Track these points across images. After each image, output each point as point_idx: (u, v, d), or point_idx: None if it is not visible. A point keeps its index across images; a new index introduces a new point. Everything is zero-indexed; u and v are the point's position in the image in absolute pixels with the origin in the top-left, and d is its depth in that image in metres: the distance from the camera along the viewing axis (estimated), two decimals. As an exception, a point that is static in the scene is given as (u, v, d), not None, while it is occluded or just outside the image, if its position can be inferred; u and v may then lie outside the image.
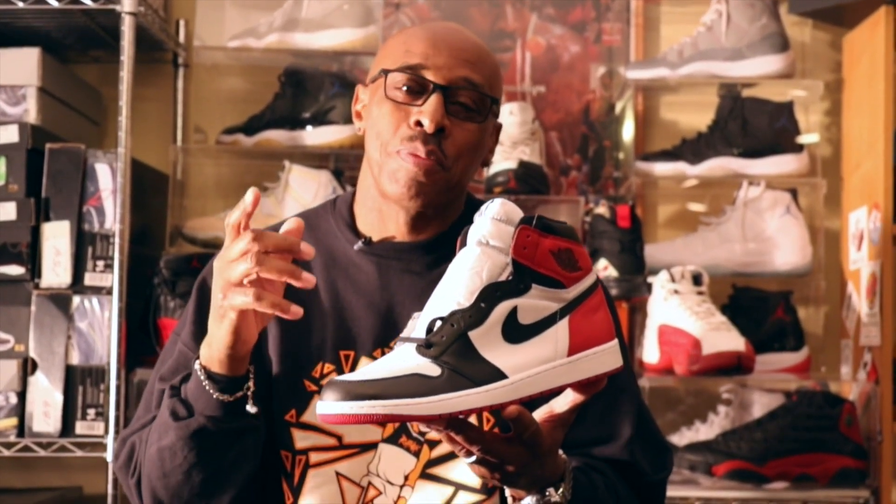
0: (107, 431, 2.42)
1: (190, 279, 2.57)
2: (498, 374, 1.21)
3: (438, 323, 1.23)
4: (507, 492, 1.38)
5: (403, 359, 1.21)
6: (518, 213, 1.27)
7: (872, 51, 2.75)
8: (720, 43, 2.81)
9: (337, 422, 1.16)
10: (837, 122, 3.00)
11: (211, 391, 1.42)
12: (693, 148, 2.84)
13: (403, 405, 1.16)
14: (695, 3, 2.99)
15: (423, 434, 1.56)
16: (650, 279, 2.70)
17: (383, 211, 1.60)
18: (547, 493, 1.35)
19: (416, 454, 1.55)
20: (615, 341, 1.29)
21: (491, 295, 1.23)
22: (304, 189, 2.72)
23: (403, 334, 1.26)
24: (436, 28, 1.59)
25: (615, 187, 2.99)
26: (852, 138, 2.90)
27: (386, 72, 1.55)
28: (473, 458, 1.27)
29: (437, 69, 1.53)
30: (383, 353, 1.56)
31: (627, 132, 2.98)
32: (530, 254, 1.24)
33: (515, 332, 1.23)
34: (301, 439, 1.56)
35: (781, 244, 2.79)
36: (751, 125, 2.82)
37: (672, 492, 2.54)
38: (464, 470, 1.54)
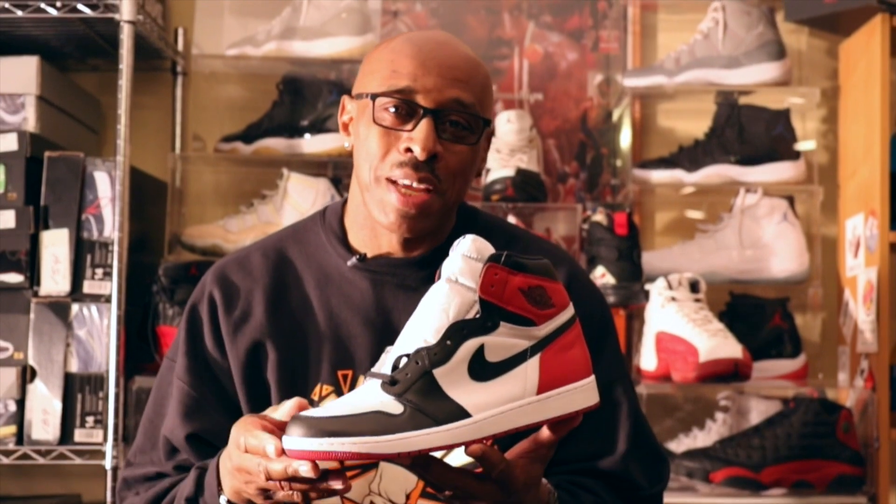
0: (105, 439, 2.42)
1: (189, 287, 2.57)
2: (461, 413, 1.20)
3: (404, 360, 1.22)
4: None
5: (368, 395, 1.21)
6: (489, 250, 1.25)
7: (868, 58, 2.76)
8: (717, 51, 2.82)
9: (302, 457, 1.17)
10: (834, 129, 3.01)
11: None
12: (690, 155, 2.85)
13: (363, 443, 1.16)
14: (692, 10, 3.00)
15: None
16: (647, 286, 2.70)
17: (376, 228, 1.57)
18: None
19: None
20: (591, 378, 1.27)
21: (457, 333, 1.22)
22: (303, 197, 2.72)
23: (374, 368, 1.25)
24: (423, 43, 1.52)
25: (613, 195, 2.99)
26: (849, 145, 2.90)
27: (373, 96, 1.50)
28: (444, 494, 1.27)
29: (427, 92, 1.48)
30: None
31: (625, 140, 2.99)
32: (498, 292, 1.23)
33: (482, 369, 1.22)
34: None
35: (778, 251, 2.80)
36: (748, 132, 2.82)
37: (670, 499, 2.53)
38: None
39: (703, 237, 2.86)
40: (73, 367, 2.46)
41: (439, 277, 1.27)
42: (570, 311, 1.27)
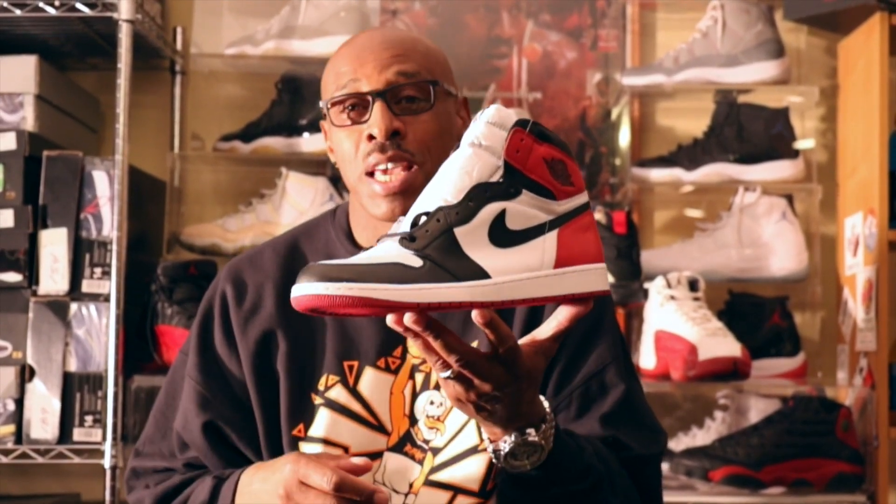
0: (104, 438, 2.42)
1: (187, 286, 2.58)
2: (481, 273, 1.18)
3: (424, 218, 1.20)
4: (484, 433, 1.35)
5: (385, 250, 1.18)
6: (513, 118, 1.24)
7: (867, 57, 2.76)
8: (716, 49, 2.82)
9: (310, 304, 1.13)
10: (833, 127, 3.01)
11: None
12: (689, 154, 2.85)
13: (380, 289, 1.12)
14: (690, 9, 3.00)
15: (426, 442, 1.56)
16: (646, 285, 2.70)
17: (377, 227, 1.61)
18: (526, 433, 1.31)
19: (421, 462, 1.56)
20: (603, 264, 1.25)
21: (480, 194, 1.20)
22: (301, 196, 2.72)
23: (391, 231, 1.23)
24: (356, 41, 1.60)
25: (611, 193, 2.99)
26: (848, 144, 2.91)
27: (327, 104, 1.57)
28: (449, 373, 1.23)
29: (369, 77, 1.54)
30: (387, 363, 1.57)
31: (624, 138, 2.99)
32: (523, 158, 1.22)
33: (502, 235, 1.20)
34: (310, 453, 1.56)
35: (777, 250, 2.80)
36: (746, 131, 2.82)
37: (669, 497, 2.54)
38: (463, 474, 1.54)
39: (702, 236, 2.86)
40: (72, 366, 2.46)
41: (457, 147, 1.25)
42: (585, 196, 1.26)
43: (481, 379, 1.23)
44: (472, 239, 1.18)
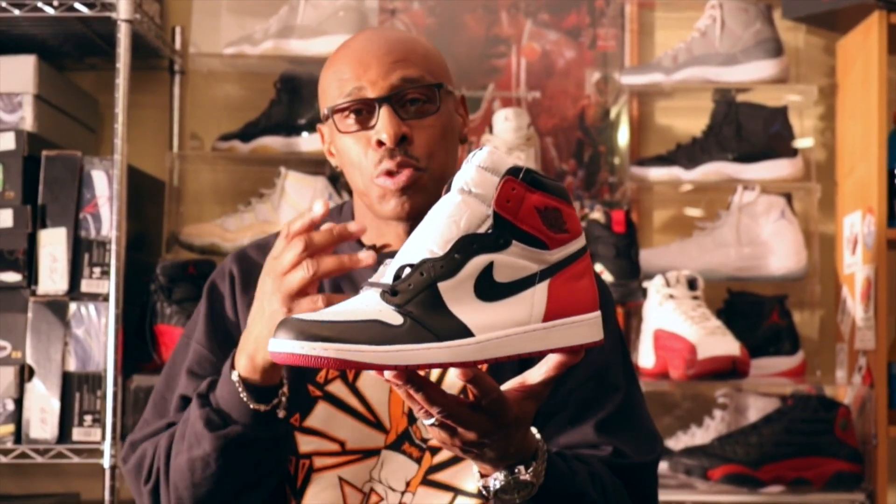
0: (104, 438, 2.42)
1: (186, 286, 2.58)
2: (464, 331, 1.13)
3: (407, 270, 1.15)
4: (476, 468, 1.33)
5: (365, 303, 1.14)
6: (506, 164, 1.19)
7: (866, 55, 2.76)
8: (714, 48, 2.82)
9: (286, 361, 1.10)
10: (831, 126, 3.01)
11: (248, 402, 1.45)
12: (688, 153, 2.85)
13: (357, 351, 1.09)
14: (689, 8, 3.00)
15: (425, 441, 1.56)
16: (645, 284, 2.70)
17: (381, 228, 1.62)
18: (516, 471, 1.29)
19: (419, 461, 1.56)
20: (597, 313, 1.21)
21: (467, 246, 1.15)
22: (300, 195, 2.72)
23: (372, 279, 1.19)
24: (355, 45, 1.59)
25: (610, 192, 2.99)
26: (846, 143, 2.91)
27: (331, 110, 1.57)
28: (433, 421, 1.21)
29: (373, 83, 1.53)
30: None
31: (622, 137, 2.99)
32: (514, 208, 1.16)
33: (489, 289, 1.15)
34: (305, 444, 1.57)
35: (776, 249, 2.80)
36: (745, 130, 2.83)
37: (668, 496, 2.55)
38: (463, 476, 1.55)
39: (701, 235, 2.86)
40: (71, 365, 2.46)
41: (448, 190, 1.21)
42: (581, 241, 1.20)
43: (465, 428, 1.21)
44: (457, 294, 1.14)
